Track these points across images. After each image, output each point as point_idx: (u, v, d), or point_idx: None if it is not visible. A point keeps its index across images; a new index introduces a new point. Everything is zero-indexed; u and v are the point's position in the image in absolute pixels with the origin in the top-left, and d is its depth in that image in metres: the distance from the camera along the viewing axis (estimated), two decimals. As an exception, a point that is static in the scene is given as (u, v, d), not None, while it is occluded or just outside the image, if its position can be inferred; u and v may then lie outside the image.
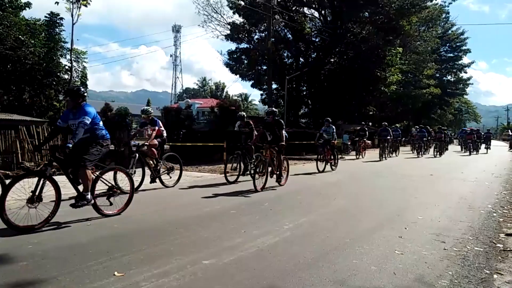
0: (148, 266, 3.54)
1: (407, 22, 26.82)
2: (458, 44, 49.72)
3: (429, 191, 8.68)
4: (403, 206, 6.72)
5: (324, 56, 27.59)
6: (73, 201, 5.36)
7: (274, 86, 28.26)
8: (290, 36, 28.56)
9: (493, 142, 34.05)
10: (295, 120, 29.56)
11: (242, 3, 26.19)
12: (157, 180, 8.31)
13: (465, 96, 58.38)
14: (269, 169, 8.62)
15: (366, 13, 27.67)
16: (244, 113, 11.60)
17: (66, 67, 22.11)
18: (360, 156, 19.10)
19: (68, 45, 21.76)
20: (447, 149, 25.63)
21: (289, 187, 9.00)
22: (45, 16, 21.55)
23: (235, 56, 29.53)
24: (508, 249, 4.33)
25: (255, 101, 67.89)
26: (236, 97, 55.99)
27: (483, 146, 27.08)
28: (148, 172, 8.20)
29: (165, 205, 6.73)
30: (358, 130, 20.75)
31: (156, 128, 8.40)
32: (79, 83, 26.62)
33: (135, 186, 6.58)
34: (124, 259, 3.73)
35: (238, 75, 30.69)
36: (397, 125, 22.79)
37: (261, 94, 32.34)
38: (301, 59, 29.37)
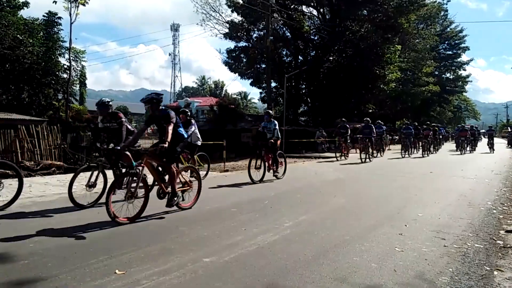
0: (148, 264, 3.55)
1: (406, 20, 26.83)
2: (456, 41, 49.77)
3: (429, 188, 8.69)
4: (403, 204, 6.72)
5: (323, 54, 27.58)
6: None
7: (273, 84, 28.29)
8: (288, 34, 28.54)
9: (495, 140, 32.40)
10: (295, 118, 29.58)
11: (241, 1, 26.15)
12: None
13: (464, 94, 58.37)
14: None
15: (365, 11, 27.68)
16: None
17: (65, 66, 22.05)
18: (343, 157, 16.82)
19: (67, 44, 21.72)
20: (438, 148, 24.20)
21: (289, 185, 9.01)
22: (43, 15, 21.49)
23: (234, 54, 29.52)
24: (508, 245, 4.34)
25: (254, 100, 68.08)
26: (235, 96, 55.91)
27: (482, 144, 26.06)
28: None
29: (165, 203, 6.70)
30: (339, 127, 18.01)
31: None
32: (78, 82, 26.63)
33: None
34: (125, 257, 3.74)
35: (237, 74, 30.69)
36: (379, 121, 20.00)
37: (260, 93, 32.38)
38: (300, 57, 29.37)
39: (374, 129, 16.50)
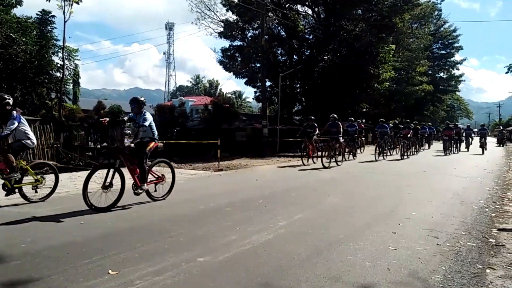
0: (142, 264, 3.53)
1: (400, 20, 26.93)
2: (450, 41, 50.07)
3: (422, 187, 8.74)
4: (397, 202, 6.76)
5: (318, 53, 27.60)
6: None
7: (268, 83, 28.23)
8: (283, 33, 28.52)
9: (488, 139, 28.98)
10: (289, 117, 29.61)
11: (236, 0, 26.11)
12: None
13: (457, 93, 58.79)
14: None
15: (359, 10, 27.74)
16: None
17: (58, 65, 21.93)
18: (310, 161, 14.01)
19: (60, 43, 21.60)
20: (418, 150, 21.36)
21: (283, 184, 9.02)
22: (37, 14, 21.35)
23: (229, 53, 29.45)
24: (500, 244, 4.38)
25: (249, 99, 68.02)
26: (230, 95, 55.83)
27: (474, 144, 24.38)
28: None
29: (159, 203, 6.70)
30: (305, 126, 15.19)
31: None
32: (71, 81, 26.46)
33: None
34: (118, 257, 3.72)
35: (231, 73, 30.60)
36: (352, 118, 18.21)
37: (255, 92, 32.31)
38: (294, 56, 29.37)
39: (340, 127, 13.67)
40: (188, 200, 6.93)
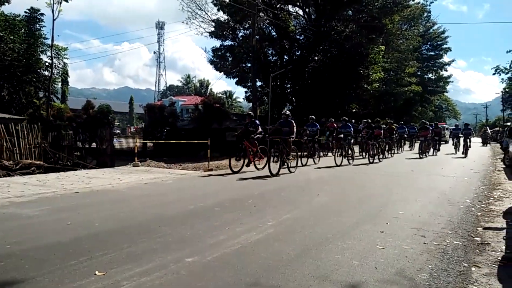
0: (130, 265, 3.50)
1: (390, 21, 27.20)
2: (439, 42, 50.71)
3: (410, 187, 8.83)
4: (384, 202, 6.81)
5: (308, 54, 27.71)
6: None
7: (258, 83, 28.26)
8: (274, 33, 28.55)
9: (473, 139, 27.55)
10: (279, 117, 29.63)
11: (227, 0, 26.08)
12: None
13: (445, 94, 59.56)
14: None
15: (350, 11, 27.94)
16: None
17: (47, 64, 21.68)
18: (250, 165, 11.47)
19: (49, 41, 21.37)
20: (395, 151, 19.78)
21: (273, 184, 9.03)
22: (25, 12, 21.08)
23: (220, 53, 29.40)
24: (486, 242, 4.44)
25: (240, 99, 68.05)
26: (220, 95, 55.67)
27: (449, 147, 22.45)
28: None
29: (148, 203, 6.66)
30: (246, 124, 12.19)
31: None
32: (59, 80, 26.16)
33: None
34: (105, 258, 3.68)
35: (222, 73, 30.54)
36: (312, 116, 15.97)
37: (246, 92, 32.28)
38: (285, 56, 29.41)
39: (293, 127, 11.33)
40: (177, 200, 6.90)
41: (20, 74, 19.96)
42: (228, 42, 29.18)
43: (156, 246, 4.11)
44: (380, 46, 27.82)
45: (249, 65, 27.62)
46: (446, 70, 54.02)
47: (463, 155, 18.61)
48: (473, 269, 3.59)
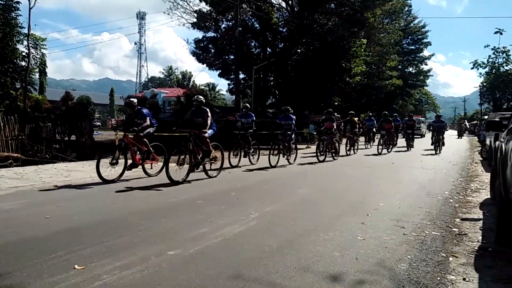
0: (110, 259, 3.45)
1: (372, 14, 27.43)
2: (419, 37, 51.43)
3: (390, 179, 8.98)
4: (365, 194, 6.91)
5: (291, 46, 27.73)
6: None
7: (241, 76, 28.16)
8: (257, 26, 28.44)
9: (448, 132, 26.51)
10: (263, 110, 29.66)
11: (209, -10, 25.79)
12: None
13: (425, 87, 60.66)
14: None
15: (332, 4, 28.02)
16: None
17: (23, 54, 21.01)
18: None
19: (25, 31, 20.68)
20: (355, 147, 16.09)
21: (256, 177, 9.05)
22: (0, 0, 20.29)
23: (202, 45, 29.13)
24: (463, 233, 4.56)
25: (223, 91, 67.54)
26: (203, 87, 55.20)
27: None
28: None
29: (129, 196, 6.57)
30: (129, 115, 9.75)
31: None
32: (37, 70, 25.42)
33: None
34: (85, 252, 3.62)
35: (205, 64, 30.33)
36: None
37: (229, 84, 32.19)
38: (268, 49, 29.37)
39: (208, 118, 9.42)
40: (159, 193, 6.83)
41: (-5, 64, 19.32)
42: (210, 34, 28.97)
43: (137, 239, 4.06)
44: (362, 39, 28.04)
45: (232, 57, 27.47)
46: (426, 64, 54.97)
47: (435, 152, 16.36)
48: (450, 259, 3.68)
